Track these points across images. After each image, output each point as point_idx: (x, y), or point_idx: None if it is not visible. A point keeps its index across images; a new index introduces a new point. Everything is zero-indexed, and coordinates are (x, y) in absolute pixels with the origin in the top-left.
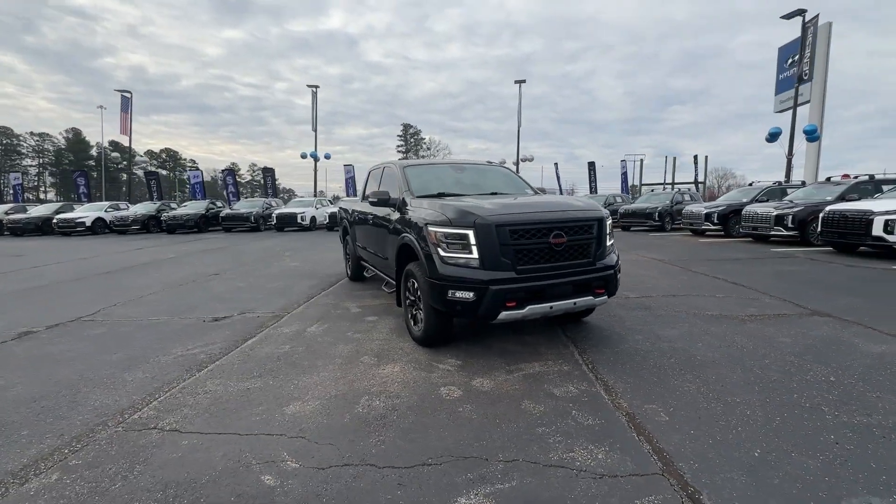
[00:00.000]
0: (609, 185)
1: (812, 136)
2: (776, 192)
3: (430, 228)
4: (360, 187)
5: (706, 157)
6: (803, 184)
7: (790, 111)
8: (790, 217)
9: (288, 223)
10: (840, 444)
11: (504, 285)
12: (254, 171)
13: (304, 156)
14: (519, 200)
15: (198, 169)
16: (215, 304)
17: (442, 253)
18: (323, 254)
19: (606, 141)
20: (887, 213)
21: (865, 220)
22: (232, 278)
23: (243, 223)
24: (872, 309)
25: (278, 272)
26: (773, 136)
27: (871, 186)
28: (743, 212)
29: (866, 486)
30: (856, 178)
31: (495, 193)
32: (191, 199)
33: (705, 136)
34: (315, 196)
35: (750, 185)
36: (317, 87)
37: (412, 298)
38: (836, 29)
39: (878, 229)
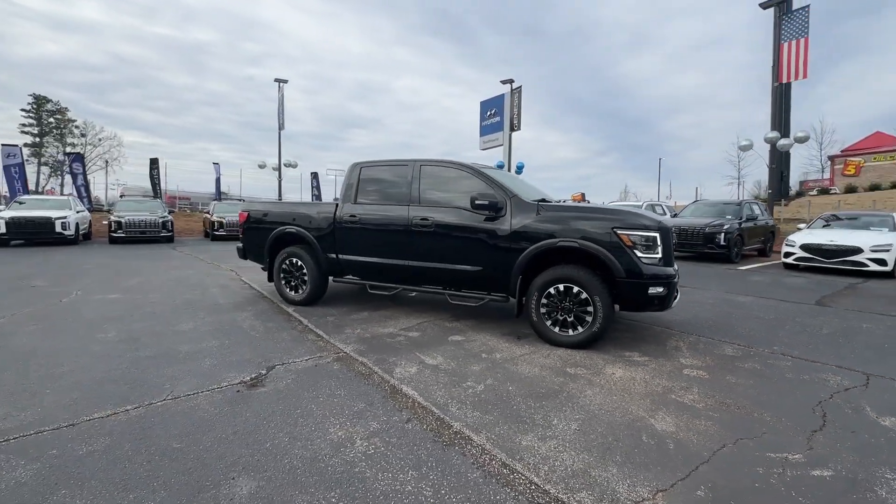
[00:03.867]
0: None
1: (519, 170)
2: None
3: (624, 232)
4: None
5: None
6: None
7: (490, 150)
8: None
9: None
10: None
11: (676, 278)
12: None
13: None
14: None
15: None
16: (169, 368)
17: (639, 254)
18: (126, 279)
19: (297, 152)
20: None
21: None
22: (64, 329)
23: None
24: (698, 282)
25: (131, 310)
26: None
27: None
28: None
29: None
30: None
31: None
32: None
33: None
34: None
35: None
36: None
37: (555, 303)
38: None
39: None
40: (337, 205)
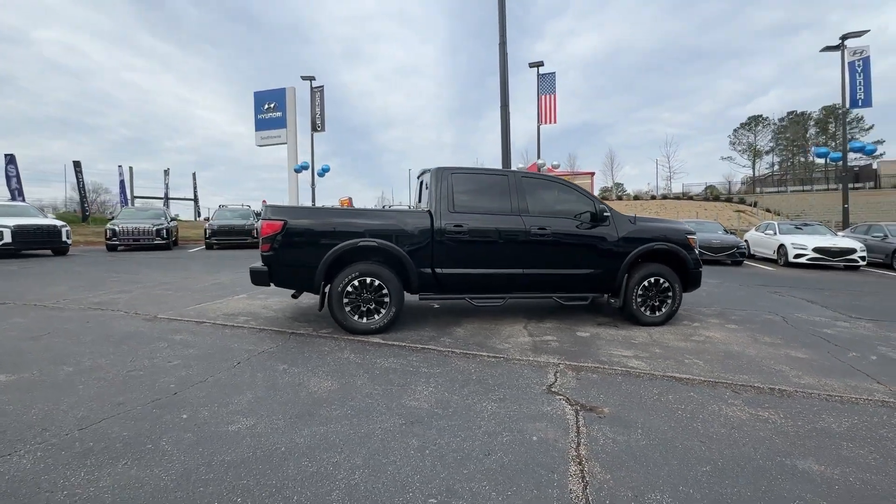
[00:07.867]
0: None
1: (322, 172)
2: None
3: (691, 236)
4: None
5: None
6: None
7: (269, 146)
8: None
9: None
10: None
11: None
12: None
13: None
14: None
15: None
16: (465, 432)
17: (696, 251)
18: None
19: None
20: None
21: None
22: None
23: None
24: None
25: (148, 394)
26: (300, 168)
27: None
28: None
29: None
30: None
31: None
32: None
33: (15, 136)
34: None
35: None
36: None
37: (646, 294)
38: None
39: None
40: (430, 213)
